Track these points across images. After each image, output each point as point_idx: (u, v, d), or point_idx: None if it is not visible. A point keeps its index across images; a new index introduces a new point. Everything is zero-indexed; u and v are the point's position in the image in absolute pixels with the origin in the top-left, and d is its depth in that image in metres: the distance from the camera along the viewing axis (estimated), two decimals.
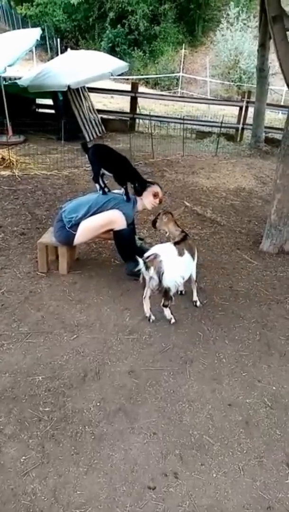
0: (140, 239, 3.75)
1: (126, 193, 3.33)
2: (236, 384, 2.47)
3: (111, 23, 20.95)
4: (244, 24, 19.94)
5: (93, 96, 9.09)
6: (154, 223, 3.15)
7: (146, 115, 9.34)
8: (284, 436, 2.17)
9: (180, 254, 2.82)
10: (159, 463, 1.97)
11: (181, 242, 2.91)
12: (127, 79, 16.92)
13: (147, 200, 3.37)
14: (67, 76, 7.24)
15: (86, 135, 7.93)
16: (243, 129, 9.22)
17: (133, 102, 9.44)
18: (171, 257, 2.76)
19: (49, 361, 2.51)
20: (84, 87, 8.19)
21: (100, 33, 21.82)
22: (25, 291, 3.15)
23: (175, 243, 2.88)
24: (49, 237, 3.42)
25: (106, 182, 3.40)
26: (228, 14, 20.11)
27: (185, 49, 20.60)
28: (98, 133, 8.42)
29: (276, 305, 3.30)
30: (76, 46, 20.69)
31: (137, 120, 9.52)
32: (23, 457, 1.94)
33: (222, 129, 8.71)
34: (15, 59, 6.63)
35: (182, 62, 20.20)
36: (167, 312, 2.91)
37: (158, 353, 2.65)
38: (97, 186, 3.36)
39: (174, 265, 2.75)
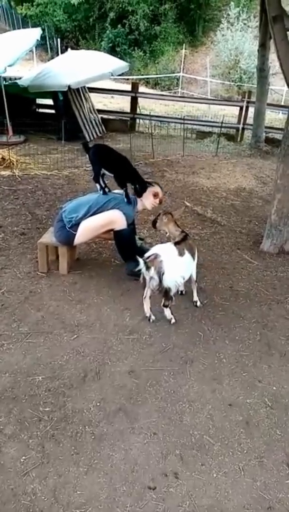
0: (141, 239, 3.75)
1: (126, 195, 3.32)
2: (237, 384, 2.47)
3: (111, 23, 20.98)
4: (245, 24, 19.98)
5: (93, 96, 9.09)
6: (154, 223, 3.15)
7: (147, 115, 9.34)
8: (285, 436, 2.17)
9: (181, 254, 2.82)
10: (159, 463, 1.97)
11: (182, 242, 2.91)
12: (128, 79, 16.92)
13: (147, 201, 3.36)
14: (67, 76, 7.24)
15: (87, 135, 7.93)
16: (243, 129, 9.21)
17: (134, 102, 9.44)
18: (171, 257, 2.76)
19: (49, 361, 2.50)
20: (84, 87, 8.18)
21: (101, 33, 21.84)
22: (25, 291, 3.15)
23: (176, 243, 2.88)
24: (49, 237, 3.42)
25: (106, 182, 3.40)
26: (228, 14, 20.15)
27: (185, 49, 20.60)
28: (98, 133, 8.42)
29: (276, 305, 3.30)
30: (76, 46, 20.69)
31: (137, 120, 9.51)
32: (23, 457, 1.94)
33: (222, 129, 8.71)
34: (15, 59, 6.63)
35: (182, 62, 20.20)
36: (167, 312, 2.91)
37: (158, 353, 2.65)
38: (98, 186, 3.36)
39: (174, 265, 2.75)
